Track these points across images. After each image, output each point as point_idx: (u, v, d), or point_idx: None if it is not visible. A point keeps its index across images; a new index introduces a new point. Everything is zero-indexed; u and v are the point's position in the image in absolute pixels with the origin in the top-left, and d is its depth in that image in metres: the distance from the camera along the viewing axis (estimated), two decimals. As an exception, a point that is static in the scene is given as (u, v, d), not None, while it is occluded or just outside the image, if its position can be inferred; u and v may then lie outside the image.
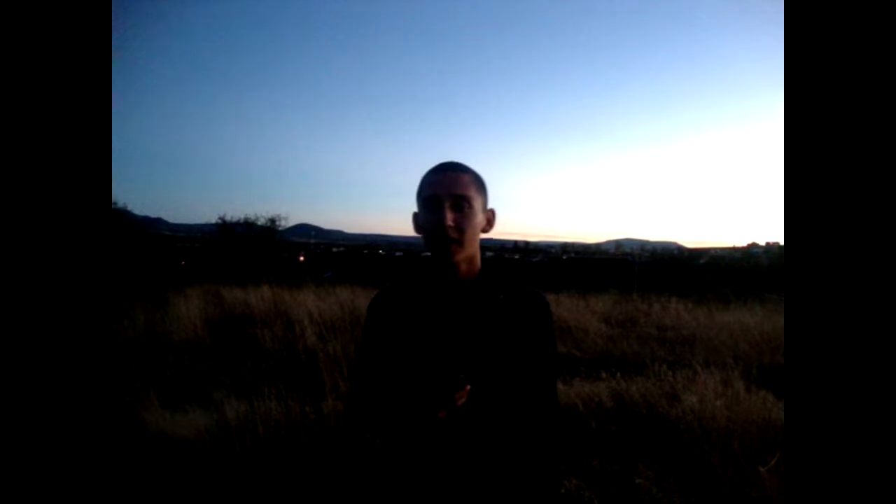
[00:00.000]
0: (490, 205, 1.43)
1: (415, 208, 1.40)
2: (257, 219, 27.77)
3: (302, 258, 37.73)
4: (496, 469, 1.28)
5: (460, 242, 1.30)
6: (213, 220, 27.72)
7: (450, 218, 1.29)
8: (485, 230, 1.40)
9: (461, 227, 1.30)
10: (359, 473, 3.27)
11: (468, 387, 1.19)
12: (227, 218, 27.33)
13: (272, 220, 28.21)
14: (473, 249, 1.36)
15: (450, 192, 1.31)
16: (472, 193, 1.33)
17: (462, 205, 1.31)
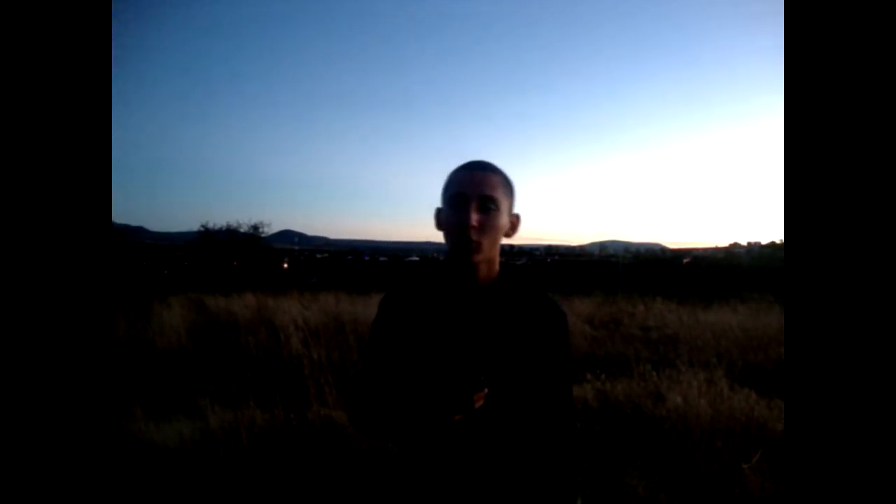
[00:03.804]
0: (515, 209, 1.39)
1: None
2: (240, 226, 27.60)
3: (286, 265, 37.53)
4: (511, 473, 1.26)
5: (481, 244, 1.26)
6: (196, 227, 27.52)
7: (474, 219, 1.24)
8: (508, 234, 1.37)
9: (484, 229, 1.26)
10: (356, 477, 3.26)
11: (486, 390, 1.15)
12: (210, 226, 27.13)
13: (255, 227, 28.04)
14: (494, 252, 1.32)
15: (477, 192, 1.26)
16: (500, 195, 1.29)
17: (488, 206, 1.27)
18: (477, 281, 1.32)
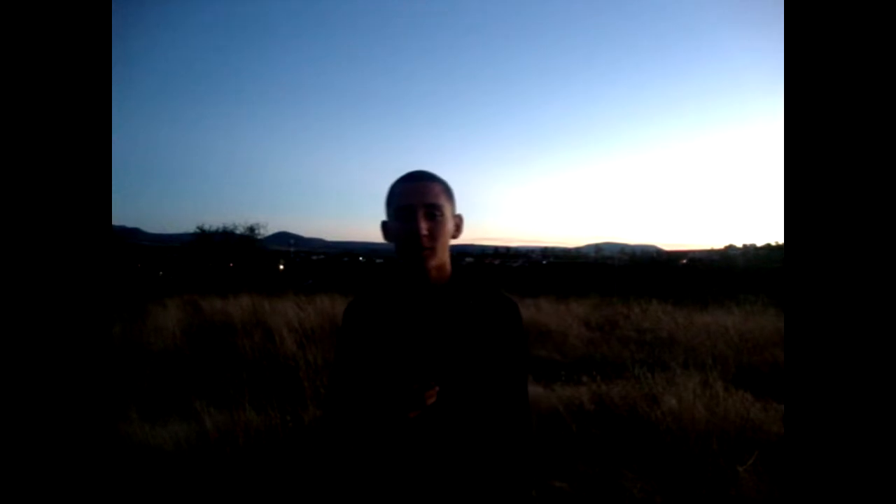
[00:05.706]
0: (459, 210, 1.48)
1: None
2: (236, 228, 27.61)
3: (282, 266, 37.49)
4: (468, 469, 1.31)
5: (433, 250, 1.35)
6: (192, 229, 27.52)
7: (424, 227, 1.33)
8: (454, 236, 1.45)
9: (434, 236, 1.35)
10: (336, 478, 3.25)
11: (437, 387, 1.24)
12: (206, 227, 27.12)
13: (251, 229, 28.06)
14: (445, 256, 1.41)
15: (422, 202, 1.34)
16: (443, 202, 1.38)
17: (434, 213, 1.35)
18: (430, 283, 1.40)
